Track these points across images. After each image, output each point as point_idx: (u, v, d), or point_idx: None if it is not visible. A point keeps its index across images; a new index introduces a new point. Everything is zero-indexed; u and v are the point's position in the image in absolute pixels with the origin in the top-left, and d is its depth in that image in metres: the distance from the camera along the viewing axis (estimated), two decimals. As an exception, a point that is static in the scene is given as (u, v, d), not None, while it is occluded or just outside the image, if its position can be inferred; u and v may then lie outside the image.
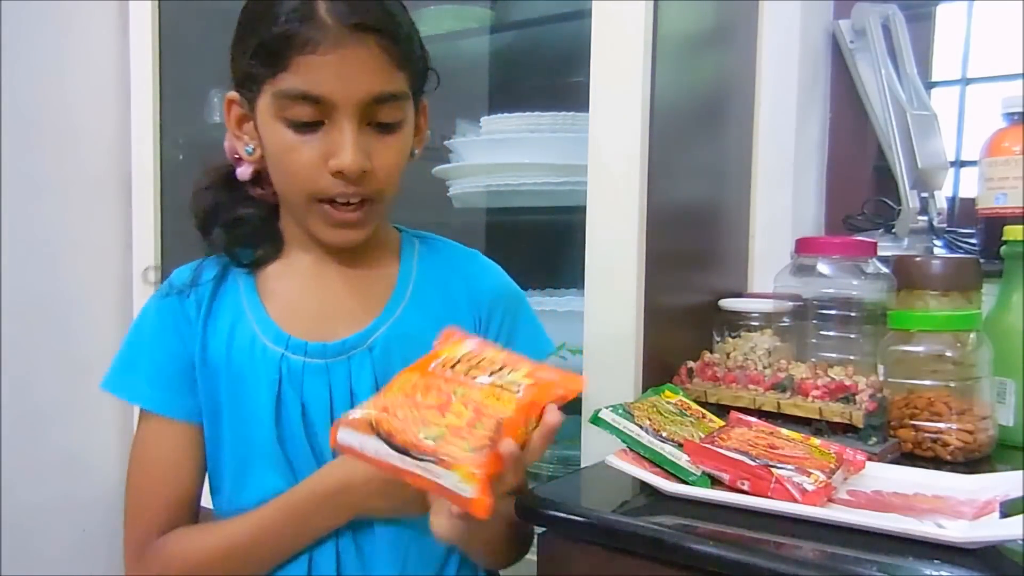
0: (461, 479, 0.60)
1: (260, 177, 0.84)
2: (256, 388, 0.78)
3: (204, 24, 1.48)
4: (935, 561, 0.60)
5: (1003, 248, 0.98)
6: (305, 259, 0.84)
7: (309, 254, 0.84)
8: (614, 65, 0.99)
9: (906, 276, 1.01)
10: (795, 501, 0.68)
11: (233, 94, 0.80)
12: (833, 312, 1.04)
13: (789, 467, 0.71)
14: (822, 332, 1.05)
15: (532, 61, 1.42)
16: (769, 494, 0.70)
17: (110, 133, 1.64)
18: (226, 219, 0.84)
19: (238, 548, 0.77)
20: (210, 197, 0.85)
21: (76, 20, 1.59)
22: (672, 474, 0.76)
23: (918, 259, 1.02)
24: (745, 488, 0.72)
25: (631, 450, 0.79)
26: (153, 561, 0.79)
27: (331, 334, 0.80)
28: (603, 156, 1.01)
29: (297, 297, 0.83)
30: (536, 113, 1.24)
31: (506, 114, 1.26)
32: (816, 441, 0.79)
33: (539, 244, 1.37)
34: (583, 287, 1.03)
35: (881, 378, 0.92)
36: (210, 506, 0.84)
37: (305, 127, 0.74)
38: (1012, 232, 0.96)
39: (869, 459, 0.79)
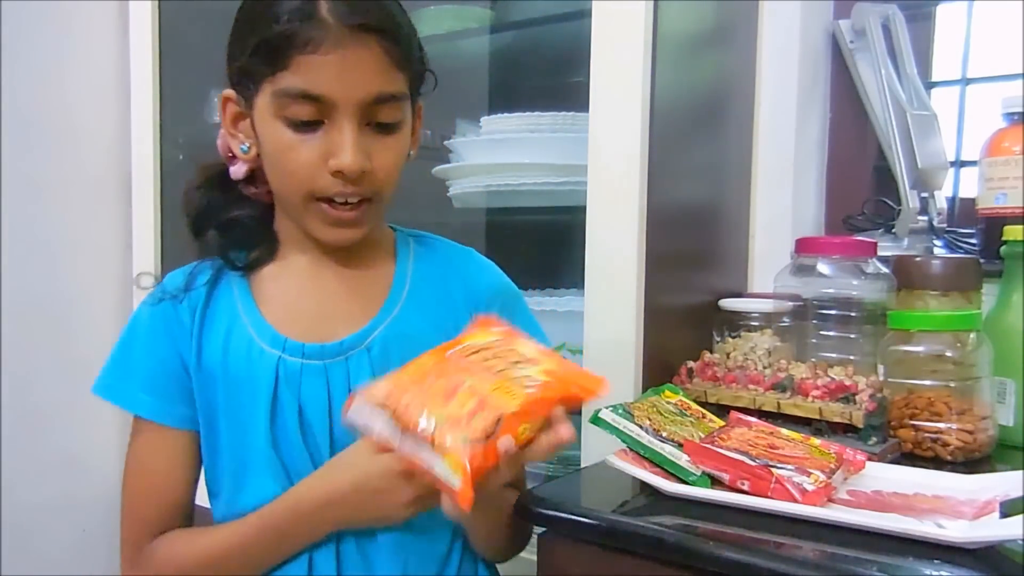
0: (450, 468, 0.60)
1: (254, 176, 0.84)
2: (253, 392, 0.78)
3: (204, 24, 1.48)
4: (935, 561, 0.60)
5: (1003, 248, 0.98)
6: (301, 260, 0.83)
7: (305, 255, 0.83)
8: (614, 65, 0.99)
9: (906, 276, 1.01)
10: (795, 501, 0.68)
11: (229, 92, 0.79)
12: (833, 312, 1.04)
13: (789, 467, 0.71)
14: (822, 332, 1.05)
15: (532, 61, 1.42)
16: (769, 494, 0.70)
17: (110, 133, 1.64)
18: (220, 220, 0.83)
19: (223, 556, 0.77)
20: (202, 197, 0.84)
21: (76, 20, 1.59)
22: (672, 474, 0.76)
23: (918, 259, 1.02)
24: (745, 488, 0.72)
25: (631, 450, 0.79)
26: (146, 564, 0.80)
27: (328, 335, 0.80)
28: (603, 156, 1.01)
29: (293, 299, 0.82)
30: (536, 113, 1.24)
31: (506, 114, 1.26)
32: (816, 441, 0.79)
33: (539, 244, 1.37)
34: (583, 287, 1.03)
35: (881, 378, 0.92)
36: (207, 506, 0.84)
37: (305, 126, 0.74)
38: (1012, 232, 0.96)
39: (869, 459, 0.79)
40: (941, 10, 1.30)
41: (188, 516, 0.83)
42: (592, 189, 1.02)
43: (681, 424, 0.83)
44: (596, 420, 0.79)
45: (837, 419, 0.88)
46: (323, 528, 0.76)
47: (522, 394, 0.64)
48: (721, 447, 0.75)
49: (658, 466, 0.77)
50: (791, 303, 1.07)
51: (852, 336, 1.03)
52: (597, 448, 0.90)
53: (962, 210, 1.25)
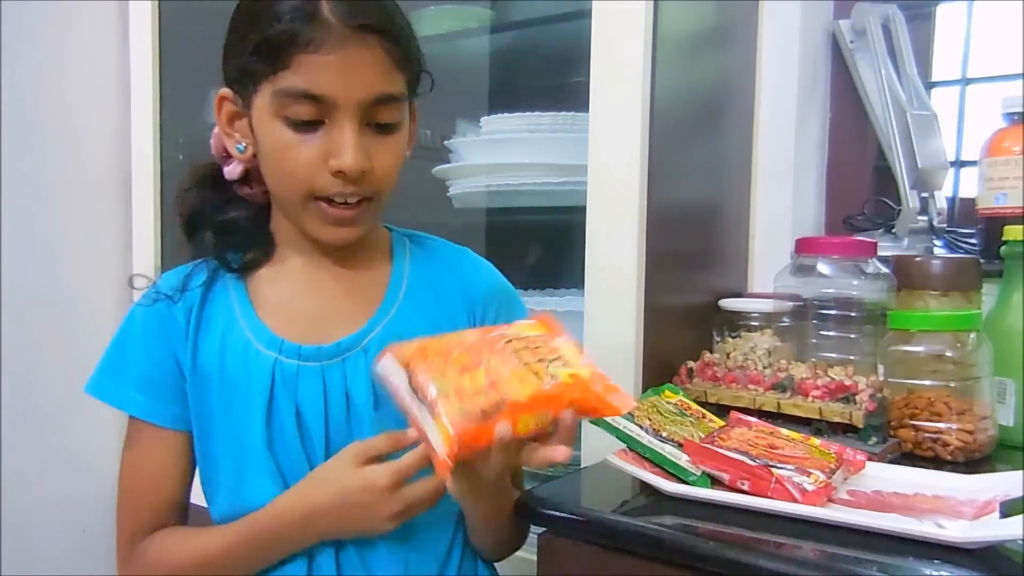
0: (439, 435, 0.61)
1: (248, 176, 0.83)
2: (249, 394, 0.78)
3: (204, 24, 1.48)
4: (935, 561, 0.60)
5: (1003, 248, 0.98)
6: (297, 262, 0.83)
7: (301, 256, 0.83)
8: (614, 65, 0.99)
9: (906, 276, 1.01)
10: (795, 501, 0.68)
11: (225, 91, 0.79)
12: (833, 312, 1.04)
13: (789, 467, 0.71)
14: (822, 332, 1.05)
15: (532, 61, 1.42)
16: (769, 494, 0.70)
17: (110, 133, 1.64)
18: (214, 222, 0.83)
19: (211, 560, 0.77)
20: (196, 198, 0.84)
21: (76, 20, 1.59)
22: (672, 474, 0.76)
23: (918, 259, 1.02)
24: (745, 488, 0.72)
25: (631, 450, 0.79)
26: (139, 561, 0.80)
27: (325, 336, 0.80)
28: (603, 156, 1.01)
29: (290, 300, 0.82)
30: (536, 113, 1.24)
31: (506, 114, 1.26)
32: (816, 441, 0.79)
33: (539, 244, 1.37)
34: (583, 287, 1.03)
35: (881, 378, 0.92)
36: (205, 505, 0.84)
37: (305, 126, 0.74)
38: (1012, 232, 0.96)
39: (869, 459, 0.79)
40: (941, 10, 1.30)
41: (182, 514, 0.83)
42: (592, 189, 1.02)
43: (681, 424, 0.83)
44: (596, 420, 0.79)
45: (837, 419, 0.88)
46: (308, 539, 0.76)
47: (535, 386, 0.64)
48: (721, 447, 0.75)
49: (658, 466, 0.77)
50: (791, 303, 1.07)
51: (852, 336, 1.03)
52: (597, 448, 0.90)
53: (962, 210, 1.25)
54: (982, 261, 1.02)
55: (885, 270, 1.04)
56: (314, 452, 0.78)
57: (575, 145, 1.12)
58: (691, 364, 1.03)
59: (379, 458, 0.73)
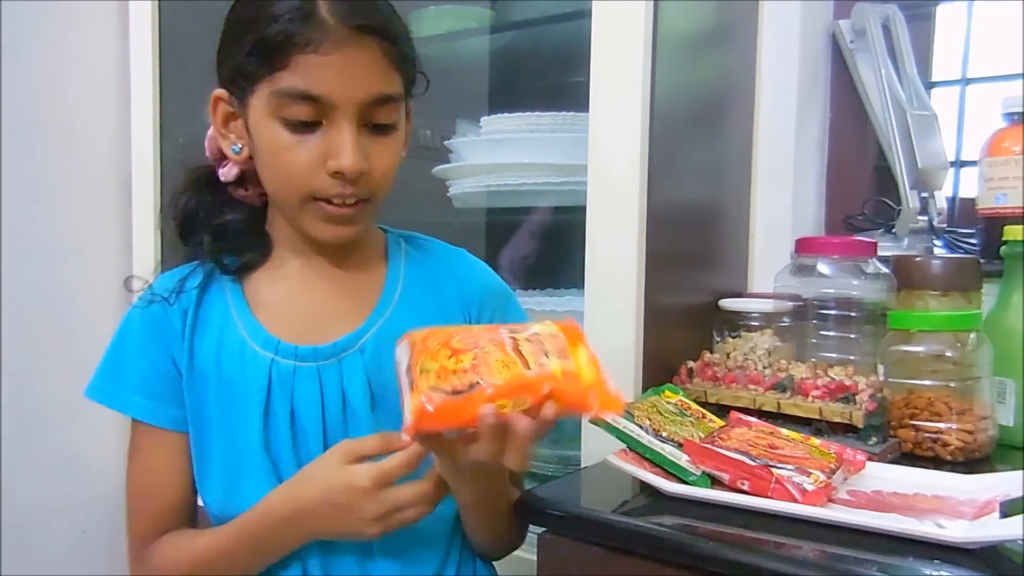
0: (410, 406, 0.63)
1: (244, 178, 0.83)
2: (246, 395, 0.78)
3: (204, 24, 1.47)
4: (935, 561, 0.60)
5: (1003, 248, 0.98)
6: (293, 263, 0.83)
7: (297, 258, 0.83)
8: (614, 65, 0.99)
9: (906, 276, 1.01)
10: (795, 501, 0.68)
11: (220, 92, 0.79)
12: (833, 312, 1.04)
13: (789, 467, 0.71)
14: (822, 332, 1.05)
15: (532, 61, 1.42)
16: (769, 494, 0.70)
17: (110, 133, 1.64)
18: (210, 224, 0.83)
19: (211, 560, 0.78)
20: (190, 200, 0.84)
21: (76, 20, 1.59)
22: (672, 474, 0.76)
23: (918, 259, 1.02)
24: (745, 488, 0.72)
25: (631, 450, 0.79)
26: (149, 562, 0.81)
27: (321, 337, 0.80)
28: (603, 156, 1.01)
29: (286, 301, 0.82)
30: (536, 113, 1.24)
31: (506, 114, 1.26)
32: (816, 441, 0.79)
33: (539, 244, 1.37)
34: (583, 287, 1.03)
35: (881, 378, 0.92)
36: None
37: (303, 127, 0.73)
38: (1012, 232, 0.96)
39: (869, 459, 0.79)
40: (941, 10, 1.29)
41: (191, 514, 0.83)
42: (592, 189, 1.02)
43: (681, 424, 0.83)
44: (596, 420, 0.79)
45: (837, 419, 0.88)
46: (296, 539, 0.76)
47: (516, 373, 0.64)
48: (721, 447, 0.75)
49: (658, 466, 0.77)
50: (791, 303, 1.07)
51: (852, 336, 1.03)
52: (597, 448, 0.90)
53: (962, 210, 1.25)
54: (982, 261, 1.02)
55: (885, 270, 1.04)
56: (310, 453, 0.77)
57: (575, 145, 1.12)
58: (691, 364, 1.03)
59: (370, 459, 0.72)
